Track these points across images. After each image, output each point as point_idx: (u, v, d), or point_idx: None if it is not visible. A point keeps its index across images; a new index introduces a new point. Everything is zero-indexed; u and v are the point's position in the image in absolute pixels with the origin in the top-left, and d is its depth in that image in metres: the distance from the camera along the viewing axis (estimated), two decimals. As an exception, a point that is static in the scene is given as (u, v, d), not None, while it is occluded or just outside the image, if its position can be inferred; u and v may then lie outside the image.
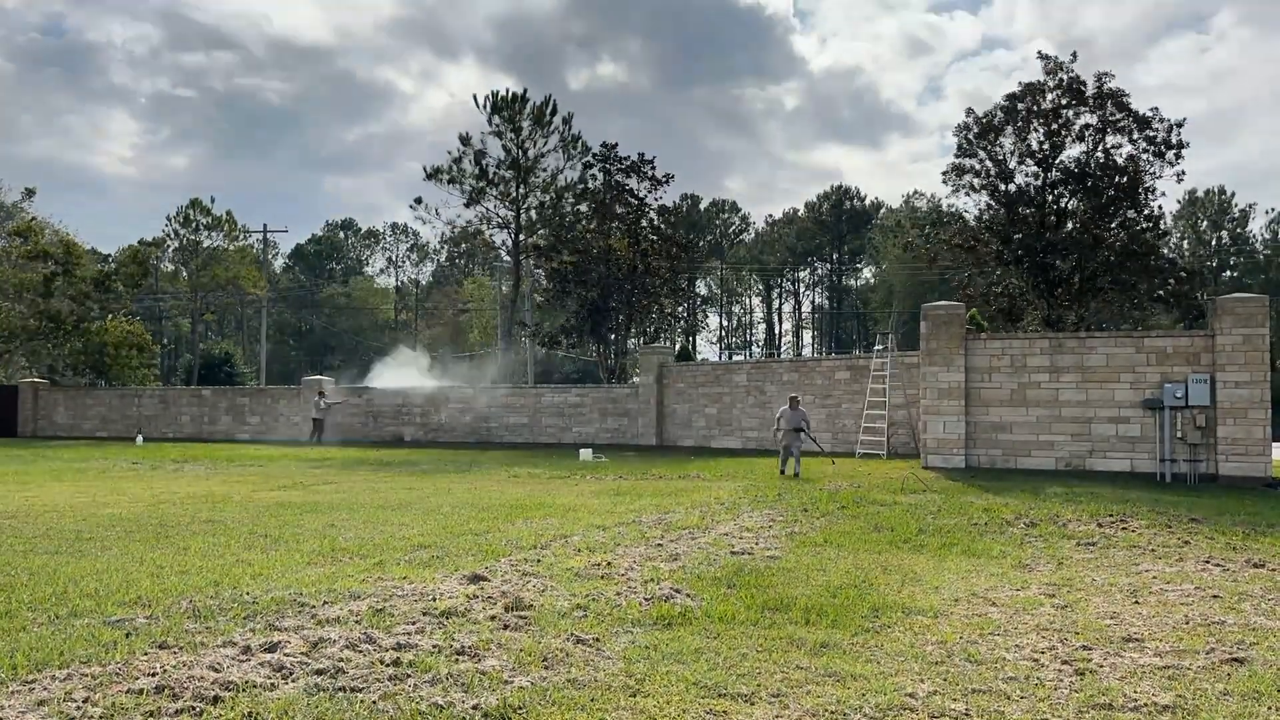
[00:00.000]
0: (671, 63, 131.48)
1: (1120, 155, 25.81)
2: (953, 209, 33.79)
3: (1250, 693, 4.88)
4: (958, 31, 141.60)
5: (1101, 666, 5.30)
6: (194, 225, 64.78)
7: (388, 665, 5.04)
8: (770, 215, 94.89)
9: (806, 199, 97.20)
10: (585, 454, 22.60)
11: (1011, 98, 26.33)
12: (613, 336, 33.67)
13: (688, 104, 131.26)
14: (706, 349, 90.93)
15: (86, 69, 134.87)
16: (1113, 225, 25.76)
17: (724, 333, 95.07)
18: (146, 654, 5.21)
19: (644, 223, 33.46)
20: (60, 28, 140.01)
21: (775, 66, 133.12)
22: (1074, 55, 26.15)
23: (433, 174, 42.03)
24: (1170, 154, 25.70)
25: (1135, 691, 4.86)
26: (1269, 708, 4.66)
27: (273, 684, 4.72)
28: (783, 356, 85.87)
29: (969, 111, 26.93)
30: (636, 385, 28.88)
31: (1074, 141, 26.07)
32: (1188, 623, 6.36)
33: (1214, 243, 74.74)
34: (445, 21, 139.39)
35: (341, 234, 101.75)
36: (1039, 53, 27.09)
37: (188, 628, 5.77)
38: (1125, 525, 10.87)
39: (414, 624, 5.91)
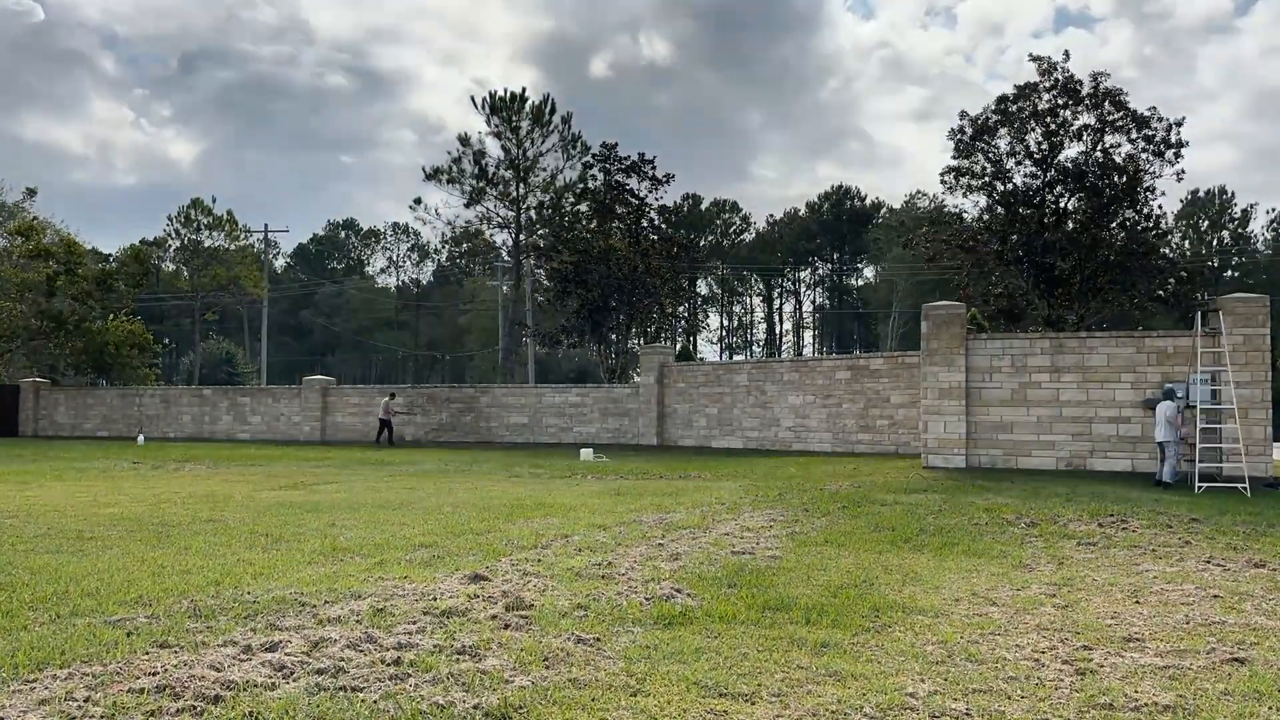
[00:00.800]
0: (717, 40, 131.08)
1: (1119, 155, 25.79)
2: (953, 208, 33.76)
3: (1251, 693, 4.87)
4: (1030, 9, 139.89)
5: (1102, 666, 5.30)
6: (195, 225, 64.93)
7: (389, 665, 5.05)
8: (771, 215, 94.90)
9: (822, 190, 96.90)
10: (586, 454, 22.61)
11: (1003, 99, 26.34)
12: (613, 336, 33.66)
13: (730, 82, 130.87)
14: (707, 349, 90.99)
15: (83, 53, 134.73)
16: (1112, 225, 25.73)
17: (724, 333, 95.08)
18: (147, 653, 5.21)
19: (644, 222, 33.46)
20: (47, 10, 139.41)
21: (822, 44, 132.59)
22: (1065, 54, 26.08)
23: (432, 174, 42.10)
24: (1170, 153, 25.66)
25: (1136, 691, 4.85)
26: (1270, 708, 4.66)
27: (274, 683, 4.72)
28: (783, 356, 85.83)
29: (962, 114, 26.93)
30: (637, 385, 28.89)
31: (1072, 141, 26.04)
32: (1188, 623, 6.36)
33: (1215, 243, 74.77)
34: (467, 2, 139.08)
35: (342, 233, 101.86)
36: (1029, 54, 27.08)
37: (189, 627, 5.77)
38: (1126, 525, 10.87)
39: (415, 623, 5.91)
